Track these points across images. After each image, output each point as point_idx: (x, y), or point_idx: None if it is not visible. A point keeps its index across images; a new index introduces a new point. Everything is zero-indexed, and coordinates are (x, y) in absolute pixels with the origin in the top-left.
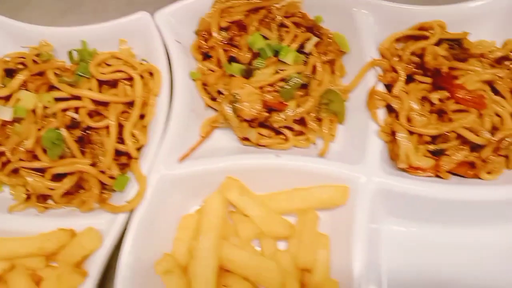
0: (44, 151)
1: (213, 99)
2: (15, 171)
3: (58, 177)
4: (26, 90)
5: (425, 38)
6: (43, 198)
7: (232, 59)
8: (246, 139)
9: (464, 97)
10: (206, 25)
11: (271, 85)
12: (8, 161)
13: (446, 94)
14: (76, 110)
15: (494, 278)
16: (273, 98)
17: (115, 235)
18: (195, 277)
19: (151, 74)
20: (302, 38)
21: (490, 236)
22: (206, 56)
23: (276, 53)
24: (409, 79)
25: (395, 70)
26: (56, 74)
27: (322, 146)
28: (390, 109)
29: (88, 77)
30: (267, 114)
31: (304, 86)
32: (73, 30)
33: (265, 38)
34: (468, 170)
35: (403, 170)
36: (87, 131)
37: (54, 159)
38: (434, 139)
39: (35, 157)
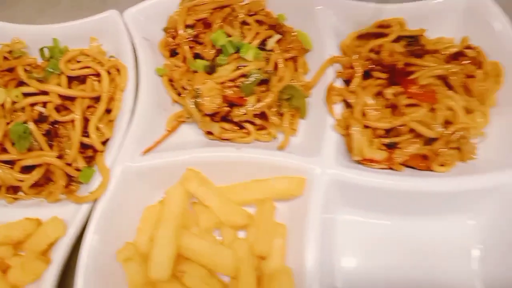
0: (13, 144)
1: (180, 94)
2: None
3: (27, 169)
4: None
5: (385, 35)
6: (13, 189)
7: (197, 56)
8: (210, 133)
9: (416, 92)
10: (174, 22)
11: (232, 80)
12: None
13: (399, 89)
14: (44, 104)
15: (444, 266)
16: (233, 93)
17: (79, 224)
18: (152, 264)
19: (118, 70)
20: (264, 35)
21: (441, 226)
22: (174, 53)
23: (238, 50)
24: (368, 75)
25: (352, 67)
26: (27, 71)
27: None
28: (347, 104)
29: (58, 73)
30: (228, 109)
31: (265, 82)
32: (46, 28)
33: (229, 35)
34: (421, 162)
35: (358, 162)
36: (54, 125)
37: (22, 151)
38: (388, 132)
39: (4, 150)
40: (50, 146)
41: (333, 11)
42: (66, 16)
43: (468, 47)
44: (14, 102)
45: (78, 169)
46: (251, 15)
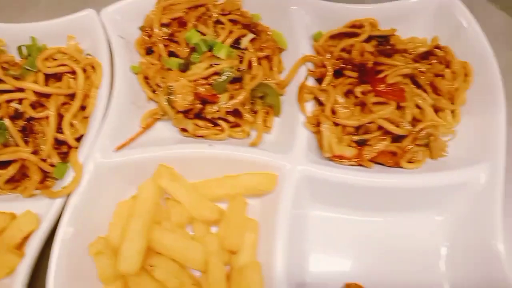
0: None
1: (155, 92)
2: None
3: (2, 165)
4: None
5: (357, 35)
6: None
7: (172, 54)
8: (185, 130)
9: (383, 90)
10: (150, 21)
11: (205, 78)
12: None
13: (368, 87)
14: (20, 101)
15: (413, 261)
16: (205, 91)
17: (52, 218)
18: (122, 257)
19: (94, 68)
20: (237, 34)
21: (409, 222)
22: (150, 51)
23: (212, 48)
24: (340, 73)
25: (324, 66)
26: (4, 68)
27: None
28: (319, 101)
29: (36, 71)
30: (200, 106)
31: (238, 80)
32: (24, 26)
33: (203, 34)
34: (390, 159)
35: (329, 159)
36: (30, 121)
37: None
38: (358, 130)
39: None
40: (26, 142)
41: (307, 12)
42: (47, 16)
43: (437, 47)
44: None
45: (53, 165)
46: (225, 15)
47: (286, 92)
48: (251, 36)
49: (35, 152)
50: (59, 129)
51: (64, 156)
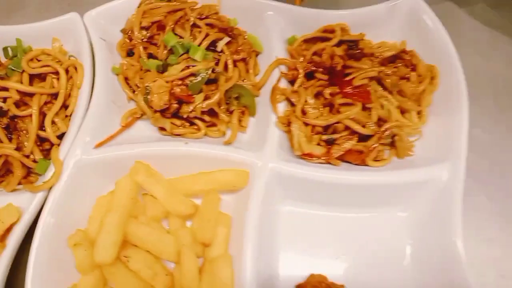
0: None
1: (134, 92)
2: None
3: None
4: None
5: (329, 39)
6: None
7: (152, 56)
8: (163, 129)
9: (350, 92)
10: (131, 24)
11: (181, 79)
12: None
13: (336, 89)
14: (4, 100)
15: (378, 256)
16: (181, 91)
17: (33, 211)
18: (98, 248)
19: (76, 68)
20: (213, 37)
21: (374, 217)
22: (131, 53)
23: (188, 50)
24: (312, 76)
25: (296, 69)
26: None
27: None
28: (291, 102)
29: (20, 71)
30: (176, 106)
31: (215, 82)
32: (11, 28)
33: (181, 37)
34: (357, 157)
35: (299, 157)
36: (13, 119)
37: None
38: (327, 129)
39: None
40: (9, 139)
41: (282, 17)
42: (34, 19)
43: (403, 51)
44: None
45: (35, 161)
46: (202, 19)
47: (261, 93)
48: (227, 39)
49: (18, 149)
50: (42, 127)
51: (47, 153)
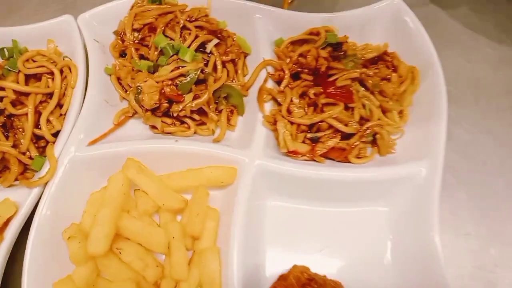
0: None
1: (126, 91)
2: None
3: None
4: None
5: (314, 41)
6: None
7: (143, 57)
8: (154, 127)
9: (332, 92)
10: (123, 26)
11: (172, 79)
12: None
13: (320, 89)
14: (1, 99)
15: (358, 246)
16: (171, 91)
17: (30, 205)
18: (91, 240)
19: (70, 69)
20: (203, 39)
21: (356, 212)
22: (123, 54)
23: (178, 52)
24: (298, 77)
25: (282, 69)
26: None
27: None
28: (277, 102)
29: (17, 71)
30: (167, 105)
31: (204, 82)
32: (7, 30)
33: (171, 39)
34: (340, 155)
35: (285, 154)
36: (10, 118)
37: None
38: (312, 128)
39: None
40: (6, 137)
41: (270, 20)
42: (30, 20)
43: (385, 53)
44: None
45: (31, 158)
46: (192, 21)
47: (249, 93)
48: (215, 41)
49: (15, 146)
50: (37, 125)
51: (42, 150)
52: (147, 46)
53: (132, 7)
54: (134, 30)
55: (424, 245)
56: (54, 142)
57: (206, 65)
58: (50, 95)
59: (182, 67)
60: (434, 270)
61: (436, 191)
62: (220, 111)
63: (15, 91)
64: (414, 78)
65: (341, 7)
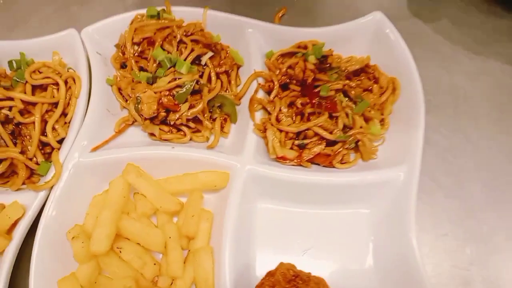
0: None
1: (127, 101)
2: None
3: None
4: None
5: (302, 54)
6: None
7: (142, 69)
8: (153, 134)
9: (317, 102)
10: (124, 40)
11: (169, 90)
12: None
13: (307, 99)
14: (10, 108)
15: (342, 246)
16: (168, 101)
17: (36, 208)
18: (93, 240)
19: (74, 80)
20: (198, 52)
21: (340, 214)
22: (124, 66)
23: (175, 64)
24: (287, 87)
25: (272, 81)
26: None
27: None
28: (267, 111)
29: (24, 82)
30: (164, 114)
31: (199, 92)
32: (15, 43)
33: (169, 52)
34: (325, 160)
35: (275, 160)
36: (18, 126)
37: None
38: (299, 135)
39: None
40: (14, 144)
41: (261, 34)
42: (35, 34)
43: (367, 65)
44: None
45: (38, 163)
46: (188, 35)
47: (242, 102)
48: (210, 54)
49: (22, 152)
50: (44, 133)
51: (48, 156)
52: (146, 58)
53: (132, 22)
54: (134, 43)
55: (402, 245)
56: (59, 149)
57: (201, 76)
58: (55, 104)
59: (179, 78)
60: (412, 268)
61: (413, 194)
62: (214, 119)
63: (23, 101)
64: (395, 88)
65: (328, 22)
